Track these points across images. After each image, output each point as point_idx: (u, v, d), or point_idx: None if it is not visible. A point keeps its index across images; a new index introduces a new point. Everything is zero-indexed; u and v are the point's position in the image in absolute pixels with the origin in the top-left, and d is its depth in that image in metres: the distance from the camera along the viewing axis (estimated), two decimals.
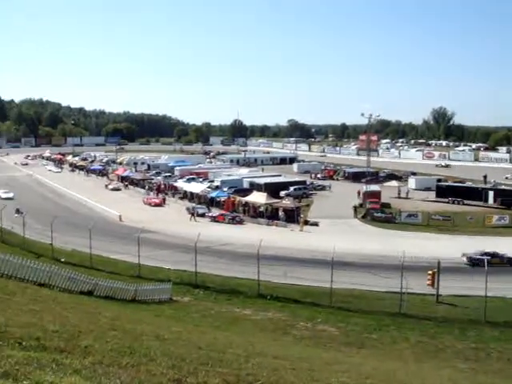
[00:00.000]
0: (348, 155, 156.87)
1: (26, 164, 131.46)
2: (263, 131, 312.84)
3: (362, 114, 75.31)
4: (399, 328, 28.26)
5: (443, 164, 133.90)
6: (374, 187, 74.94)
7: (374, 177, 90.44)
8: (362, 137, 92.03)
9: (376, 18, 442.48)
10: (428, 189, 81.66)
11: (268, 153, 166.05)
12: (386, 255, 43.56)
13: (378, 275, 37.55)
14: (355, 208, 66.53)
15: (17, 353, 6.60)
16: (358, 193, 73.65)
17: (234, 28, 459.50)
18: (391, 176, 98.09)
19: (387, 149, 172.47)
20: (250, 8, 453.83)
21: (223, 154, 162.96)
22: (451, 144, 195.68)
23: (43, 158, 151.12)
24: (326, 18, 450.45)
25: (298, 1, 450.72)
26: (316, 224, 59.66)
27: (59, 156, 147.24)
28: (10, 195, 73.81)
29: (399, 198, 76.77)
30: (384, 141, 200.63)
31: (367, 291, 34.29)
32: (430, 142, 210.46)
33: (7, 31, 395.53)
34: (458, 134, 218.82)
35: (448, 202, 71.95)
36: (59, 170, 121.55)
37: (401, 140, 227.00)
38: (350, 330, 27.43)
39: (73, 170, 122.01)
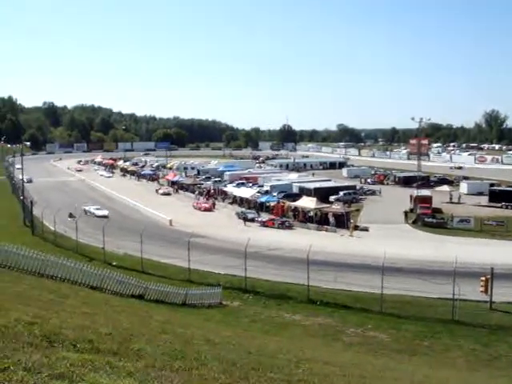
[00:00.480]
0: (398, 159, 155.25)
1: (81, 170, 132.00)
2: (312, 136, 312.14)
3: (413, 118, 74.55)
4: (452, 335, 27.75)
5: (456, 166, 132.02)
6: (425, 192, 73.90)
7: (425, 181, 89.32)
8: (413, 141, 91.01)
9: (425, 21, 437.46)
10: (480, 193, 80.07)
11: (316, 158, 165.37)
12: (437, 261, 42.84)
13: (429, 281, 36.96)
14: (406, 213, 65.73)
15: (72, 355, 6.71)
16: (411, 198, 72.66)
17: (285, 32, 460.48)
18: (443, 180, 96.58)
19: (438, 153, 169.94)
20: (302, 12, 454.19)
21: (272, 158, 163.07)
22: (504, 148, 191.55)
23: (95, 163, 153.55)
24: (375, 21, 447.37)
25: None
26: (366, 229, 59.13)
27: (110, 161, 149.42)
28: (105, 213, 66.16)
29: (451, 202, 75.41)
30: (435, 145, 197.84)
31: (418, 297, 33.71)
32: (482, 145, 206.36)
33: (60, 41, 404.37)
34: (510, 138, 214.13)
35: (501, 207, 70.21)
36: (111, 174, 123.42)
37: (452, 144, 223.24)
38: (401, 336, 27.10)
39: (124, 175, 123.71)
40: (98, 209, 68.40)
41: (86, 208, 67.56)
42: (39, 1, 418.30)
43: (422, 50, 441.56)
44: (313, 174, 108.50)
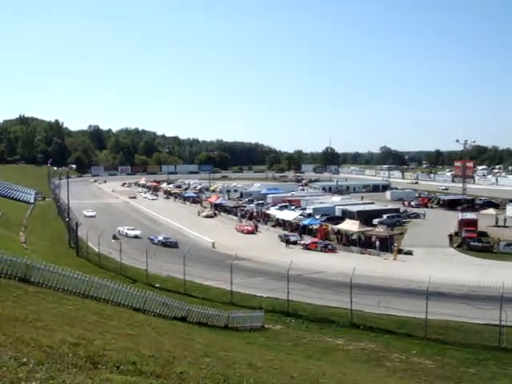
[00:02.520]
0: (443, 182, 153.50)
1: (134, 197, 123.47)
2: (355, 158, 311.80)
3: (457, 140, 73.89)
4: (499, 363, 26.99)
5: (444, 187, 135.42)
6: (471, 215, 72.82)
7: (470, 204, 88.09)
8: (457, 163, 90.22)
9: (466, 43, 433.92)
10: None
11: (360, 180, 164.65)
12: (483, 286, 41.89)
13: (475, 306, 36.14)
14: (451, 236, 64.79)
15: (115, 376, 6.75)
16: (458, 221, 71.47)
17: (327, 56, 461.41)
18: (488, 204, 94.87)
19: (483, 175, 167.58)
20: (342, 38, 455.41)
21: (315, 181, 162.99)
22: None
23: (139, 185, 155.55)
24: (414, 49, 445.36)
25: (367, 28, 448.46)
26: (410, 253, 58.47)
27: (154, 183, 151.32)
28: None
29: (497, 226, 74.21)
30: (480, 167, 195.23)
31: (464, 323, 33.02)
32: None
33: (104, 66, 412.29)
34: None
35: None
36: (154, 197, 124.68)
37: (498, 166, 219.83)
38: (446, 363, 26.50)
39: (167, 198, 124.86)
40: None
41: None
42: (86, 28, 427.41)
43: (465, 73, 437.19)
44: (362, 198, 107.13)
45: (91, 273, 31.38)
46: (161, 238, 63.67)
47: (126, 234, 66.76)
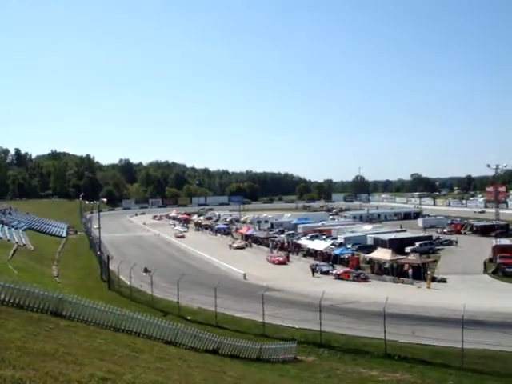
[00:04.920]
0: (475, 208, 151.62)
1: (182, 236, 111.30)
2: (386, 186, 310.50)
3: (488, 165, 73.24)
4: None
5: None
6: (505, 241, 71.71)
7: (504, 230, 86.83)
8: (489, 188, 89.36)
9: (499, 63, 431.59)
10: None
11: (392, 208, 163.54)
12: None
13: None
14: (485, 263, 63.79)
15: None
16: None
17: (352, 80, 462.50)
18: None
19: None
20: (370, 60, 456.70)
21: (346, 210, 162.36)
22: None
23: (170, 217, 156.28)
24: (443, 71, 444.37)
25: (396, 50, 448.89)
26: (444, 280, 57.68)
27: (185, 216, 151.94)
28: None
29: None
30: None
31: (502, 352, 32.27)
32: None
33: (134, 101, 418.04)
34: None
35: None
36: (185, 229, 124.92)
37: None
38: None
39: (198, 229, 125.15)
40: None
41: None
42: (115, 60, 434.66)
43: (496, 97, 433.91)
44: (401, 226, 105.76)
45: (123, 306, 31.39)
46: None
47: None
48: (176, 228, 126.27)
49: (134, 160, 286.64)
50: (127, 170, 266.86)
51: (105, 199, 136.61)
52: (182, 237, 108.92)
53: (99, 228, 75.53)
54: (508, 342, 33.23)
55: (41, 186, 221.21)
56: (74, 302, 22.86)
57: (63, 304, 22.34)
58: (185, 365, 17.81)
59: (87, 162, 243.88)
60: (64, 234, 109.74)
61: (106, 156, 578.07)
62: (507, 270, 59.53)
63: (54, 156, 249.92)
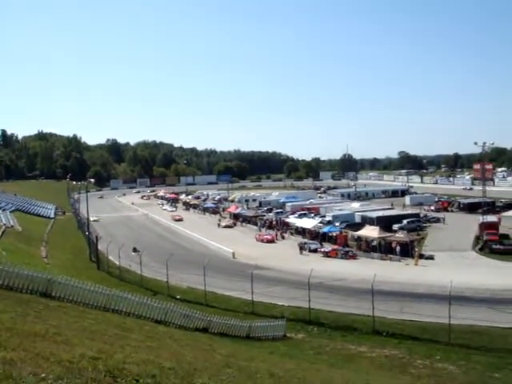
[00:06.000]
0: (462, 186, 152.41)
1: (181, 219, 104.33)
2: (373, 164, 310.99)
3: (476, 143, 73.05)
4: None
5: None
6: (491, 218, 72.11)
7: (491, 207, 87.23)
8: (476, 166, 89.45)
9: (487, 44, 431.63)
10: None
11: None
12: (507, 289, 41.60)
13: (499, 310, 35.79)
14: (477, 238, 64.27)
15: None
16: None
17: (338, 62, 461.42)
18: (509, 206, 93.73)
19: (503, 177, 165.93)
20: (363, 41, 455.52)
21: (334, 188, 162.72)
22: None
23: (158, 197, 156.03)
24: (435, 52, 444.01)
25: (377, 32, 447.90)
26: (431, 257, 58.03)
27: (173, 195, 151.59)
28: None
29: None
30: (500, 169, 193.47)
31: (488, 327, 32.57)
32: None
33: (121, 80, 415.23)
34: None
35: None
36: (173, 208, 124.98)
37: None
38: (471, 368, 26.12)
39: (186, 209, 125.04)
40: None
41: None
42: (103, 40, 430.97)
43: (485, 74, 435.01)
44: (392, 204, 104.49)
45: (112, 286, 31.44)
46: None
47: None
48: (164, 208, 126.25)
49: (122, 140, 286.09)
50: (114, 150, 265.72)
51: (92, 179, 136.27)
52: (180, 220, 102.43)
53: (87, 208, 75.22)
54: (494, 317, 33.58)
55: (28, 166, 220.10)
56: (64, 283, 22.87)
57: (52, 285, 22.34)
58: (175, 344, 17.90)
59: (74, 143, 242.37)
60: (52, 215, 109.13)
61: (93, 136, 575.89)
62: (494, 246, 59.94)
63: (41, 137, 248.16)
